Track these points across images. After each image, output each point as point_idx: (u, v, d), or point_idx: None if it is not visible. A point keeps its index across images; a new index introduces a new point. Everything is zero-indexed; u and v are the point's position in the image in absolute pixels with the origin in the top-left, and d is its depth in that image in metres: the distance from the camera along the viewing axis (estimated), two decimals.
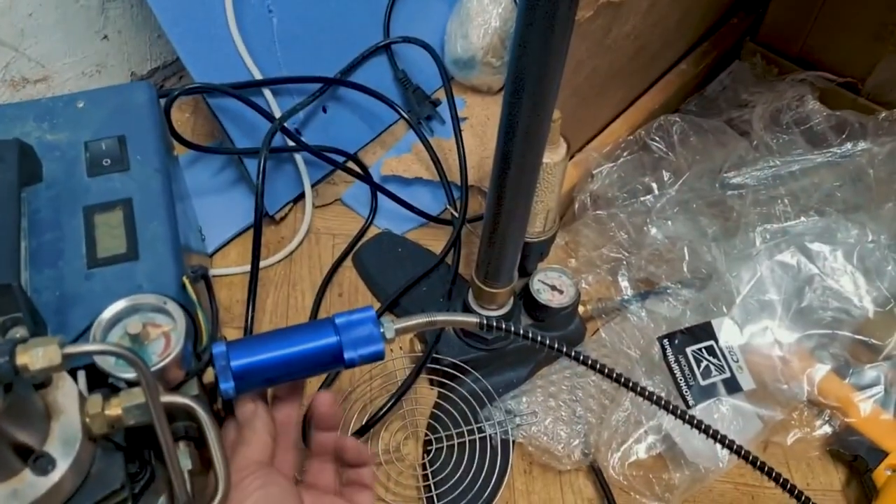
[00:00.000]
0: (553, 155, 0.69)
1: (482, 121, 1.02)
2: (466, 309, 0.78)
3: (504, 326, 0.58)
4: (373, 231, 0.94)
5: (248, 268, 0.86)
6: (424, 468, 0.76)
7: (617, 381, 0.59)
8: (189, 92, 0.81)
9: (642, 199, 0.83)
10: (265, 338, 0.55)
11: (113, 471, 0.46)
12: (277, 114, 0.87)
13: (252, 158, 0.87)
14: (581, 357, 0.58)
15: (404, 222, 0.94)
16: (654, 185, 0.85)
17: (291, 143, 0.88)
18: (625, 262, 0.83)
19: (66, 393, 0.45)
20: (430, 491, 0.74)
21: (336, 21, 0.97)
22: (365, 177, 0.94)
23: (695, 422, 0.60)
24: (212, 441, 0.48)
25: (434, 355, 0.79)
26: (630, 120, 0.92)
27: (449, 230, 0.93)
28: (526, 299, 0.80)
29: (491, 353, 0.79)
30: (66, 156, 0.62)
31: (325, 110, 0.95)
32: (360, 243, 0.92)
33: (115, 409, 0.46)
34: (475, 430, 0.76)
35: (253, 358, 0.54)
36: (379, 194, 0.95)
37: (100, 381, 0.48)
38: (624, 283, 0.82)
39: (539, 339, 0.57)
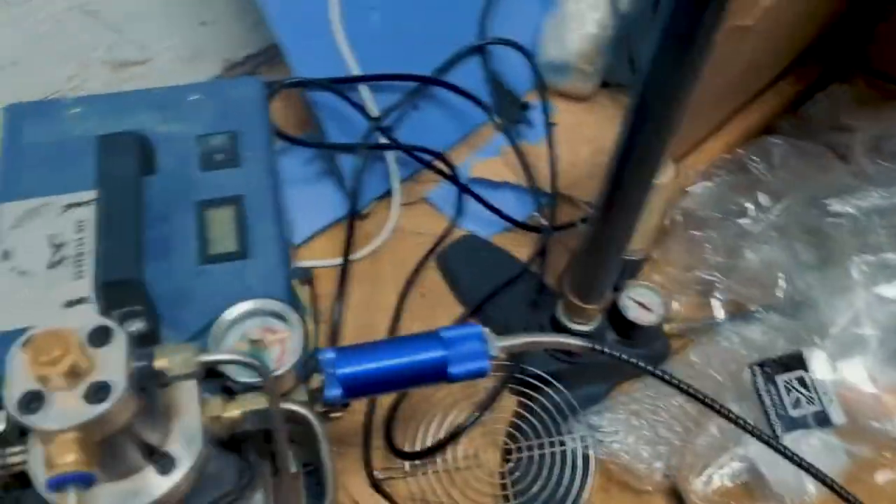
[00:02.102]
0: (663, 175, 0.67)
1: (570, 128, 1.01)
2: (555, 322, 0.78)
3: (616, 354, 0.58)
4: (457, 232, 0.94)
5: (332, 261, 0.87)
6: (503, 477, 0.75)
7: (710, 406, 0.58)
8: (292, 85, 0.81)
9: (738, 220, 0.82)
10: (371, 347, 0.56)
11: (227, 471, 0.47)
12: (373, 109, 0.87)
13: (344, 153, 0.88)
14: (681, 385, 0.57)
15: (490, 226, 0.94)
16: (751, 207, 0.83)
17: (383, 140, 0.88)
18: (717, 284, 0.81)
19: (187, 393, 0.46)
20: (508, 501, 0.74)
21: (431, 19, 0.96)
22: (452, 178, 0.93)
23: (787, 452, 0.59)
24: (323, 449, 0.48)
25: None
26: (726, 138, 0.90)
27: (533, 237, 0.92)
28: (613, 315, 0.79)
29: (574, 366, 0.79)
30: (179, 148, 0.63)
31: (415, 108, 0.95)
32: (444, 244, 0.92)
33: (234, 412, 0.46)
34: (557, 442, 0.76)
35: (359, 367, 0.54)
36: (465, 196, 0.94)
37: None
38: (716, 305, 0.81)
39: (654, 371, 0.56)
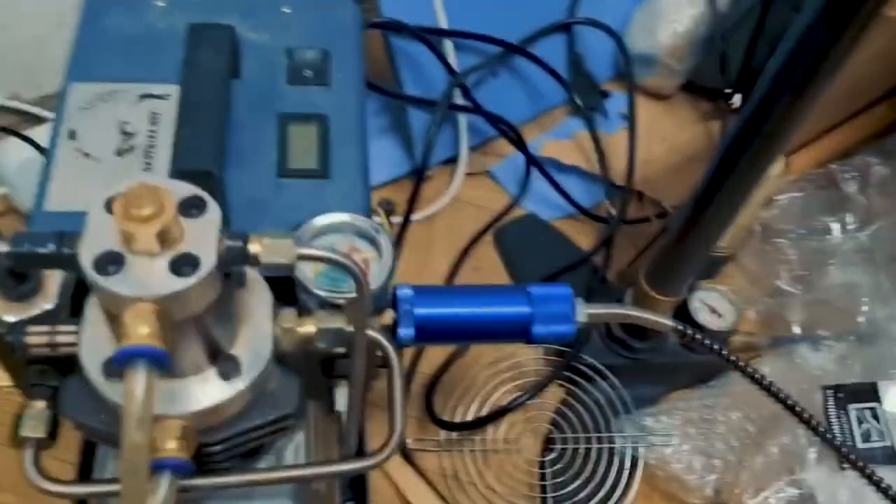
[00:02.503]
0: (774, 168, 0.63)
1: (646, 124, 0.96)
2: None
3: (706, 341, 0.53)
4: (517, 211, 0.89)
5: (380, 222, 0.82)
6: (543, 466, 0.71)
7: (799, 416, 0.53)
8: (380, 25, 0.77)
9: (822, 238, 0.77)
10: (452, 291, 0.52)
11: (289, 393, 0.42)
12: (456, 67, 0.83)
13: (417, 109, 0.84)
14: (771, 387, 0.52)
15: (553, 209, 0.89)
16: (837, 226, 0.78)
17: (462, 101, 0.84)
18: (794, 300, 0.76)
19: (260, 299, 0.41)
20: (546, 492, 0.69)
21: None
22: (525, 151, 0.89)
23: (874, 479, 0.55)
24: (396, 383, 0.44)
25: None
26: (816, 153, 0.86)
27: (596, 227, 0.88)
28: (680, 315, 0.74)
29: (634, 362, 0.74)
30: (267, 58, 0.59)
31: (494, 75, 0.90)
32: (502, 220, 0.88)
33: (308, 327, 0.42)
34: (605, 439, 0.71)
35: (438, 309, 0.49)
36: (530, 176, 0.90)
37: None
38: (793, 321, 0.76)
39: (747, 369, 0.52)
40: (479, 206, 0.89)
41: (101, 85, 0.55)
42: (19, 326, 0.40)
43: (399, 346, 0.47)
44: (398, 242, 0.79)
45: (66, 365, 0.41)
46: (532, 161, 0.88)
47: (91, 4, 0.61)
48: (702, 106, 1.00)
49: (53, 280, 0.41)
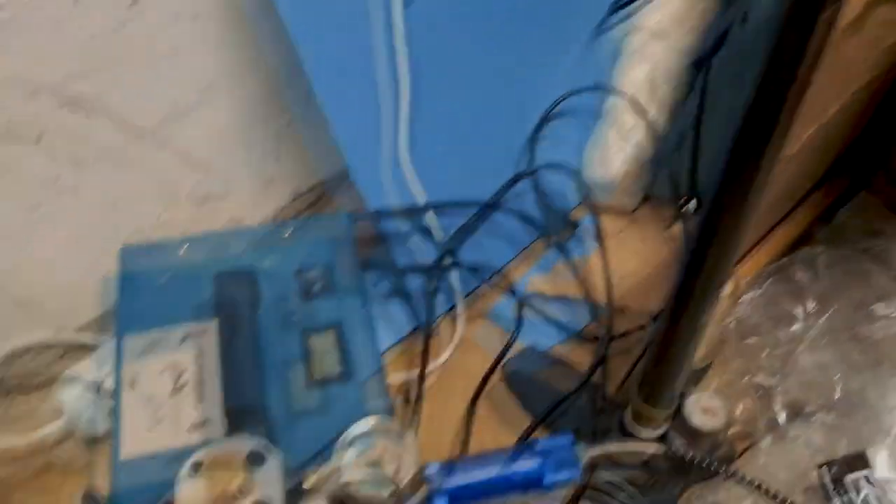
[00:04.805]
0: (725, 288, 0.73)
1: (617, 241, 1.07)
2: (623, 429, 0.81)
3: (691, 459, 0.62)
4: (519, 345, 0.98)
5: (399, 377, 0.91)
6: None
7: None
8: (369, 217, 0.89)
9: (790, 329, 0.86)
10: (471, 461, 0.60)
11: None
12: (439, 234, 0.94)
13: (414, 276, 0.94)
14: (755, 483, 0.61)
15: (549, 337, 0.99)
16: (800, 313, 0.88)
17: (448, 261, 0.95)
18: (775, 388, 0.85)
19: None
20: None
21: (485, 147, 1.04)
22: (511, 293, 0.99)
23: None
24: None
25: None
26: (769, 249, 0.96)
27: (591, 347, 0.97)
28: (677, 422, 0.82)
29: (645, 471, 0.82)
30: (281, 281, 0.69)
31: (474, 230, 1.01)
32: (507, 357, 0.97)
33: None
34: None
35: (463, 480, 0.58)
36: (523, 310, 1.00)
37: None
38: (776, 408, 0.84)
39: (734, 474, 0.60)
40: (483, 348, 0.98)
41: (148, 334, 0.65)
42: None
43: None
44: (418, 398, 0.88)
45: None
46: (519, 301, 0.98)
47: (126, 260, 0.72)
48: (663, 214, 1.11)
49: None
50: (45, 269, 0.87)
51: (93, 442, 0.87)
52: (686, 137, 1.01)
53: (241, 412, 0.56)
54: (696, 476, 0.85)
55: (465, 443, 0.89)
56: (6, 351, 0.88)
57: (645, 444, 0.62)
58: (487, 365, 0.96)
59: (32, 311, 0.89)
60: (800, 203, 0.99)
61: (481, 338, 0.99)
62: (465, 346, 0.98)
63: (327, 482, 0.44)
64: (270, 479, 0.43)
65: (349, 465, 0.47)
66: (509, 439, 0.90)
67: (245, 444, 0.44)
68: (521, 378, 0.95)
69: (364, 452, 0.53)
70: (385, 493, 0.50)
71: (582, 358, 0.97)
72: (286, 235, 0.73)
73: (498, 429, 0.91)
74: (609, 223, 1.09)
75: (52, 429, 0.87)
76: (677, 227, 1.05)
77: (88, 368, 0.84)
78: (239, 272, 0.66)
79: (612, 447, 0.61)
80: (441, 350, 0.97)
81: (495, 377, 0.95)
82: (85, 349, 0.93)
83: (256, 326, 0.63)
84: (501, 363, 0.96)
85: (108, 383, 0.83)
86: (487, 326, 1.01)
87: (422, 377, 0.88)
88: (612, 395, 0.91)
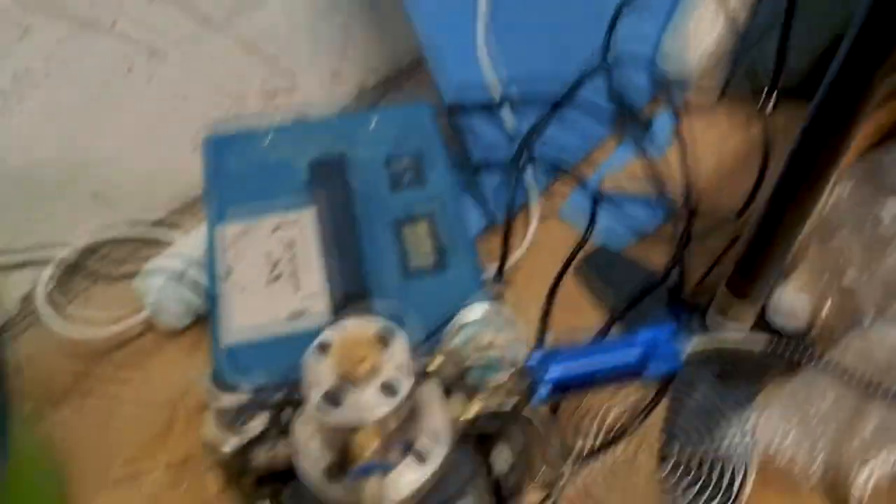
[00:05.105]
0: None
1: (692, 139, 1.04)
2: (705, 324, 0.81)
3: (794, 351, 0.61)
4: (591, 245, 0.97)
5: None
6: (661, 479, 0.78)
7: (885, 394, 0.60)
8: (449, 110, 0.87)
9: (876, 229, 0.84)
10: (573, 349, 0.60)
11: (465, 463, 0.51)
12: (513, 128, 0.92)
13: (487, 171, 0.93)
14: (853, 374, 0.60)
15: (622, 237, 0.97)
16: (887, 214, 0.85)
17: (523, 157, 0.93)
18: (860, 289, 0.83)
19: (431, 392, 0.50)
20: (669, 501, 0.77)
21: (560, 36, 1.01)
22: (584, 190, 0.97)
23: None
24: (547, 442, 0.52)
25: None
26: (857, 143, 0.92)
27: (666, 245, 0.96)
28: (760, 322, 0.81)
29: (727, 365, 0.82)
30: (370, 171, 0.68)
31: (547, 125, 0.99)
32: (579, 257, 0.96)
33: (473, 409, 0.50)
34: (713, 444, 0.78)
35: (565, 368, 0.58)
36: (596, 208, 0.98)
37: None
38: (864, 305, 0.83)
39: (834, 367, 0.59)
40: (556, 247, 0.97)
41: (240, 224, 0.65)
42: (245, 449, 0.49)
43: (538, 405, 0.56)
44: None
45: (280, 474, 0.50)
46: (595, 197, 0.96)
47: (211, 148, 0.71)
48: (740, 113, 1.07)
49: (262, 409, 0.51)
50: (119, 160, 0.87)
51: (174, 333, 0.89)
52: (771, 29, 0.96)
53: (345, 300, 0.56)
54: (777, 371, 0.84)
55: (540, 342, 0.89)
56: (85, 244, 0.89)
57: (751, 336, 0.61)
58: (560, 264, 0.95)
59: (109, 203, 0.89)
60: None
61: (555, 236, 0.98)
62: (538, 245, 0.97)
63: (445, 366, 0.44)
64: (397, 361, 0.43)
65: (465, 350, 0.46)
66: (584, 337, 0.90)
67: (371, 325, 0.43)
68: (595, 276, 0.94)
69: (472, 339, 0.53)
70: (502, 377, 0.50)
71: (657, 256, 0.96)
72: (372, 125, 0.71)
73: (572, 327, 0.91)
74: (684, 121, 1.06)
75: (133, 321, 0.88)
76: (757, 123, 1.01)
77: (169, 260, 0.85)
78: (331, 161, 0.65)
79: (715, 339, 0.60)
80: (513, 248, 0.96)
81: (569, 276, 0.95)
82: (162, 242, 0.94)
83: (353, 215, 0.62)
84: (575, 262, 0.95)
85: (192, 274, 0.84)
86: (561, 224, 1.00)
87: (500, 272, 0.87)
88: (691, 292, 0.90)
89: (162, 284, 0.83)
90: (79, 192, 0.85)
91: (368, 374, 0.41)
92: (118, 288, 0.88)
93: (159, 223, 0.94)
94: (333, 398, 0.42)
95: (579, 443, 0.80)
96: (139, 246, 0.94)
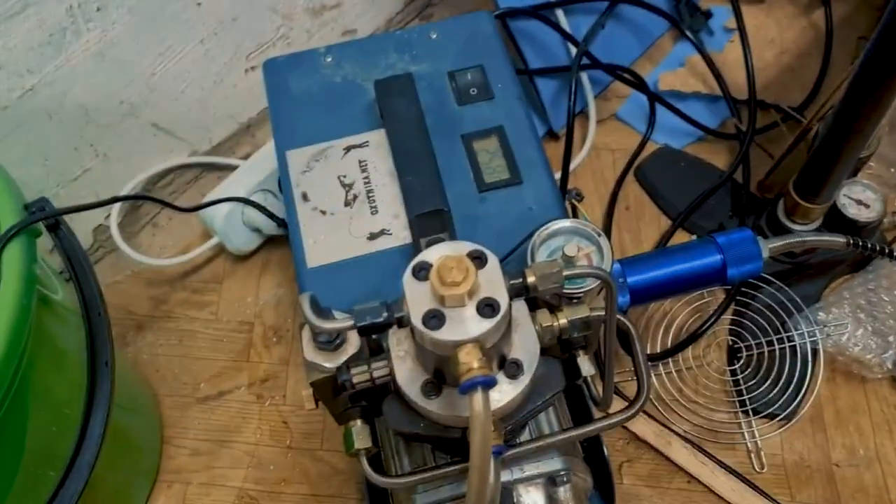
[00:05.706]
0: None
1: (751, 32, 1.00)
2: (772, 223, 0.80)
3: (873, 246, 0.60)
4: (650, 146, 0.96)
5: None
6: (733, 374, 0.80)
7: None
8: (502, 15, 0.85)
9: None
10: (652, 257, 0.60)
11: (554, 375, 0.52)
12: (568, 30, 0.90)
13: (543, 77, 0.91)
14: None
15: (682, 137, 0.96)
16: None
17: (583, 61, 0.91)
18: None
19: (519, 308, 0.51)
20: (742, 395, 0.78)
21: None
22: (644, 91, 0.95)
23: None
24: (637, 348, 0.53)
25: None
26: None
27: (727, 144, 0.94)
28: (830, 214, 0.81)
29: (793, 265, 0.82)
30: (434, 86, 0.67)
31: (603, 26, 0.96)
32: (639, 158, 0.95)
33: (562, 321, 0.51)
34: (784, 339, 0.79)
35: (646, 275, 0.59)
36: (655, 110, 0.96)
37: None
38: None
39: None
40: (615, 150, 0.97)
41: (310, 147, 0.65)
42: (341, 370, 0.51)
43: (620, 312, 0.57)
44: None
45: (375, 392, 0.52)
46: (653, 97, 0.95)
47: (272, 74, 0.70)
48: (799, 1, 1.03)
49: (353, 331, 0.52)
50: (175, 88, 0.87)
51: (243, 257, 0.91)
52: None
53: (427, 219, 0.56)
54: (841, 270, 0.84)
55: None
56: (148, 174, 0.90)
57: (828, 235, 0.60)
58: (621, 166, 0.95)
59: (168, 133, 0.89)
60: None
61: (614, 139, 0.97)
62: (598, 149, 0.97)
63: (535, 281, 0.44)
64: (493, 279, 0.43)
65: (552, 263, 0.47)
66: (649, 240, 0.90)
67: (463, 247, 0.44)
68: (656, 179, 0.93)
69: (557, 252, 0.54)
70: (588, 287, 0.51)
71: (719, 155, 0.94)
72: (433, 37, 0.70)
73: (636, 230, 0.91)
74: (743, 11, 1.02)
75: (204, 247, 0.90)
76: (818, 10, 0.98)
77: (233, 186, 0.86)
78: (397, 78, 0.64)
79: (792, 240, 0.60)
80: (574, 153, 0.95)
81: (629, 178, 0.94)
82: (223, 166, 0.95)
83: (425, 132, 0.61)
84: (636, 164, 0.95)
85: (256, 198, 0.85)
86: (620, 126, 0.98)
87: (564, 178, 0.87)
88: (755, 190, 0.89)
89: (228, 211, 0.84)
90: (140, 123, 0.86)
91: (466, 294, 0.42)
92: (185, 216, 0.90)
93: (218, 148, 0.95)
94: (435, 318, 0.43)
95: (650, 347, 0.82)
96: (201, 172, 0.95)
